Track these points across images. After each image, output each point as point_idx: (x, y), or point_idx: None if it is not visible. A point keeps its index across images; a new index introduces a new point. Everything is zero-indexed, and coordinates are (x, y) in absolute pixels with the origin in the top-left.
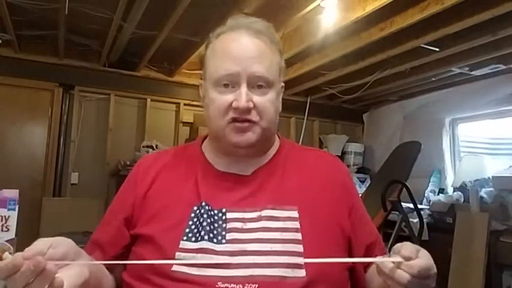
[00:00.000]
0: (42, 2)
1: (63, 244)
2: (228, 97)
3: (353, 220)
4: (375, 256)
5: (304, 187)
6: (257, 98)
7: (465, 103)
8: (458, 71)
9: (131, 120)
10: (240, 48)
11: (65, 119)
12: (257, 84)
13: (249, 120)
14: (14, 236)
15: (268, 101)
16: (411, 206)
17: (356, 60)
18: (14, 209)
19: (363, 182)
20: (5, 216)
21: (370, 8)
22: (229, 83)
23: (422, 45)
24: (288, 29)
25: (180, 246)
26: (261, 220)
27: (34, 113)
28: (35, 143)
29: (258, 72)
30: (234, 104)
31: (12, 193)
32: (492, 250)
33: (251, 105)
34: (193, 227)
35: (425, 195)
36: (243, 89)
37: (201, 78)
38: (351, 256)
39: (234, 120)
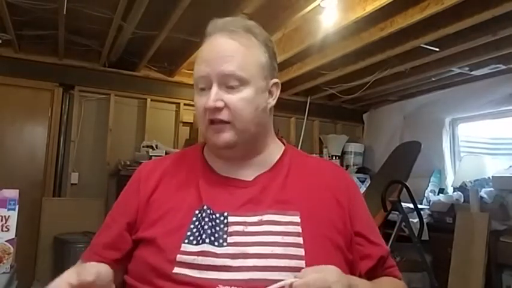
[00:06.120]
0: (42, 2)
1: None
2: (203, 99)
3: (357, 229)
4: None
5: (306, 193)
6: (228, 97)
7: (465, 103)
8: (458, 71)
9: (131, 120)
10: (211, 50)
11: (65, 119)
12: (229, 83)
13: (221, 121)
14: (14, 236)
15: (241, 100)
16: (411, 206)
17: (356, 60)
18: (14, 209)
19: (363, 182)
20: (5, 216)
21: (370, 8)
22: (205, 85)
23: (422, 45)
24: (288, 29)
25: (182, 248)
26: (262, 224)
27: (34, 113)
28: (35, 143)
29: (226, 71)
30: (205, 105)
31: (12, 193)
32: (492, 250)
33: (219, 104)
34: (194, 230)
35: (425, 195)
36: (213, 89)
37: None
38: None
39: (211, 122)
